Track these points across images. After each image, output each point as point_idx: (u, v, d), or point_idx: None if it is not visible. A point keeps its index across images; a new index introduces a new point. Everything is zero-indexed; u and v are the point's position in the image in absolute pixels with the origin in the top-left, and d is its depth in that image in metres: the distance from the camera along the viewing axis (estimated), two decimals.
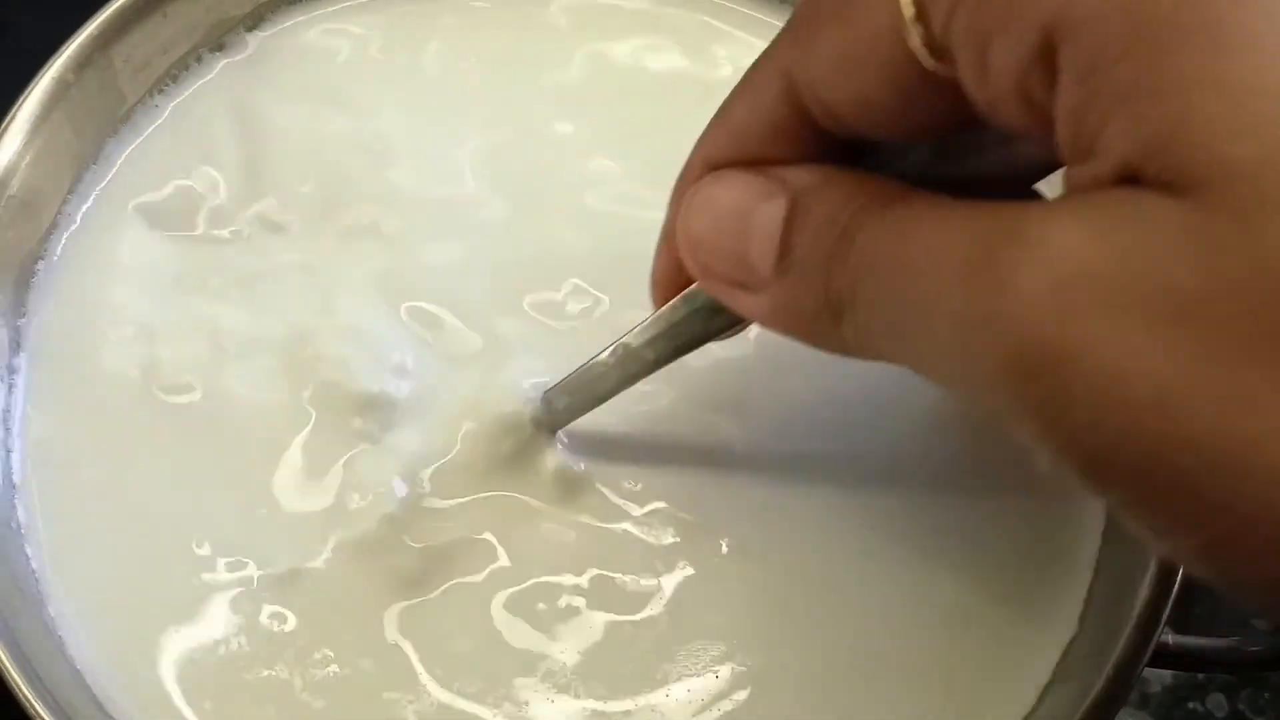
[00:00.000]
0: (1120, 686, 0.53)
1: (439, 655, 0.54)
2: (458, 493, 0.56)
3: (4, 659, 0.50)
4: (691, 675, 0.54)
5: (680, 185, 0.47)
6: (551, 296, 0.60)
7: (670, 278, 0.50)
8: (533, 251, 0.61)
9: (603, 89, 0.66)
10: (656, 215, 0.49)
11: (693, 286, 0.49)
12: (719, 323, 0.50)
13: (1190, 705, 0.74)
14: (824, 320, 0.41)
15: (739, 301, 0.44)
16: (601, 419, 0.56)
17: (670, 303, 0.50)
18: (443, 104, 0.65)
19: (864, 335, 0.40)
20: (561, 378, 0.55)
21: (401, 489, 0.55)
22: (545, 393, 0.56)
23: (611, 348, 0.53)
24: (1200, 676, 0.73)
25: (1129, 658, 0.53)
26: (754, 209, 0.42)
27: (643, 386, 0.55)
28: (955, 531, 0.58)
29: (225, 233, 0.61)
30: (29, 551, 0.55)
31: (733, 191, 0.43)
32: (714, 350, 0.57)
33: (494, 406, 0.57)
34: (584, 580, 0.56)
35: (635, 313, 0.53)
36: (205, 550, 0.55)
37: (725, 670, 0.55)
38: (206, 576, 0.55)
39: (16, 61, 0.61)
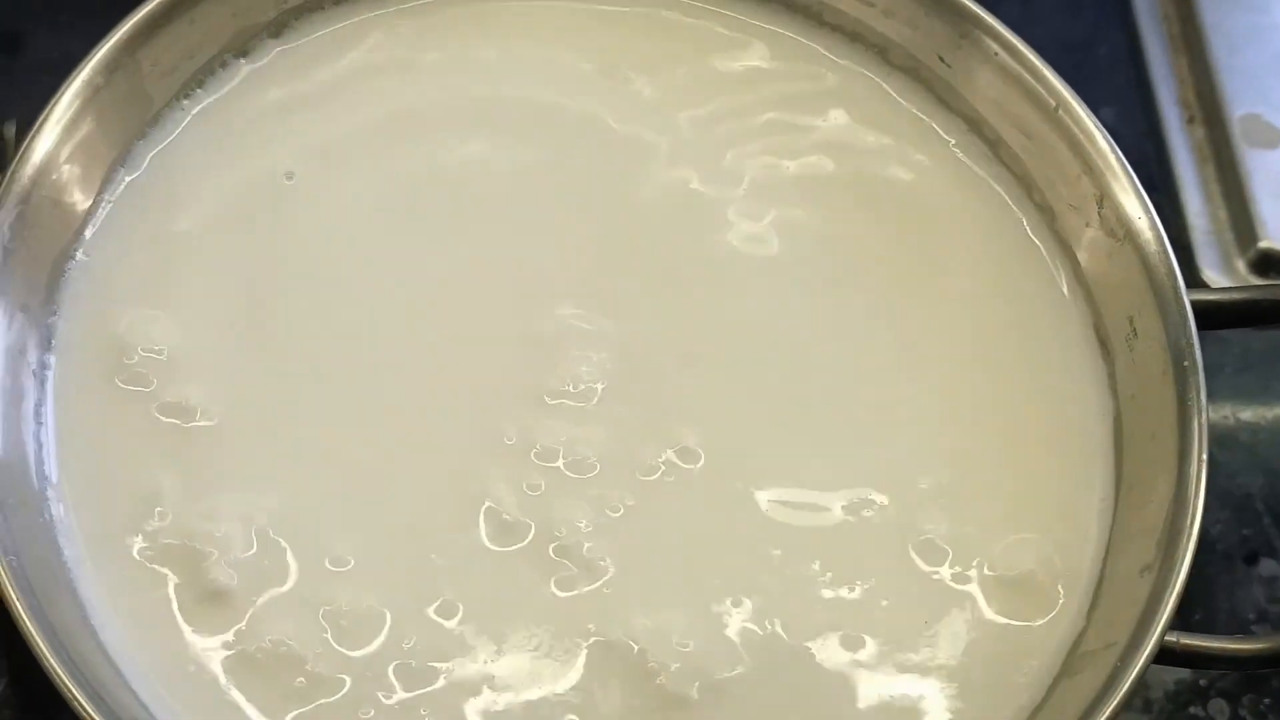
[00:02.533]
0: (1131, 681, 0.54)
1: None
2: None
3: (43, 650, 0.50)
4: None
5: None
6: None
7: None
8: None
9: None
10: None
11: None
12: None
13: (1192, 710, 0.74)
14: None
15: None
16: None
17: None
18: None
19: None
20: None
21: None
22: None
23: None
24: (1201, 681, 0.73)
25: (1139, 650, 0.54)
26: None
27: None
28: (965, 531, 0.60)
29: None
30: (62, 544, 0.56)
31: None
32: None
33: None
34: None
35: None
36: (233, 547, 0.56)
37: None
38: (233, 570, 0.56)
39: (31, 74, 0.62)
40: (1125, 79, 0.87)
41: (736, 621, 0.57)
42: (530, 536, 0.57)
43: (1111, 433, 0.62)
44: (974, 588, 0.59)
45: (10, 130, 0.65)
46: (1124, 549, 0.59)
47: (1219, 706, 0.74)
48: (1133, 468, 0.60)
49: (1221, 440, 0.80)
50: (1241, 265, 0.83)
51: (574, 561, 0.57)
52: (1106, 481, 0.61)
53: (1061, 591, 0.59)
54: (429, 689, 0.55)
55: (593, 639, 0.56)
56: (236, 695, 0.54)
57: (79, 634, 0.53)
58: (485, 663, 0.55)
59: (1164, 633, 0.55)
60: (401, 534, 0.57)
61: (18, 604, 0.51)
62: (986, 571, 0.59)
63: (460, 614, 0.56)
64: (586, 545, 0.57)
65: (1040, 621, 0.58)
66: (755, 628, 0.57)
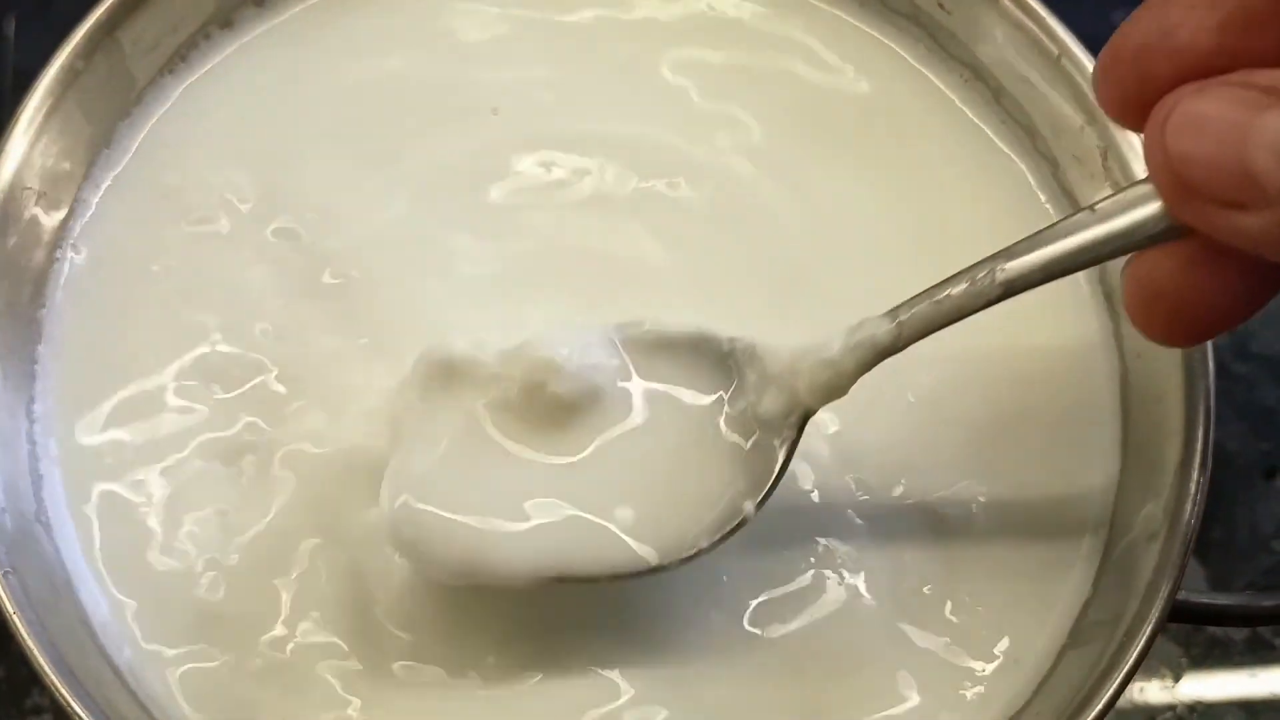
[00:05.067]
0: (1137, 653, 0.53)
1: None
2: None
3: (40, 658, 0.50)
4: None
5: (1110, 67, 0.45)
6: None
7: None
8: None
9: None
10: None
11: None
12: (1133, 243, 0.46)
13: (1210, 631, 0.74)
14: None
15: (1230, 221, 0.41)
16: None
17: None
18: None
19: None
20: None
21: None
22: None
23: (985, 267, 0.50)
24: None
25: (1145, 623, 0.54)
26: (1252, 120, 0.40)
27: None
28: (967, 504, 0.59)
29: (244, 208, 0.62)
30: (60, 547, 0.55)
31: (1222, 104, 0.41)
32: None
33: None
34: None
35: None
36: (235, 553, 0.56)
37: None
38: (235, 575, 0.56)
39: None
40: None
41: None
42: None
43: (1119, 394, 0.61)
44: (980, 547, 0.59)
45: (10, 27, 0.64)
46: (1132, 515, 0.58)
47: (1238, 629, 0.74)
48: (1140, 431, 0.60)
49: (1239, 352, 0.79)
50: None
51: None
52: (1114, 443, 0.60)
53: (1067, 557, 0.59)
54: None
55: None
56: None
57: (78, 641, 0.53)
58: None
59: (1169, 604, 0.54)
60: None
61: (15, 618, 0.51)
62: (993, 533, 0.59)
63: None
64: None
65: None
66: None
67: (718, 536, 0.53)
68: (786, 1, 0.68)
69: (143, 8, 0.61)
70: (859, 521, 0.58)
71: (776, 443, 0.53)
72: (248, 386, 0.58)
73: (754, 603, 0.57)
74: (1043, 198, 0.65)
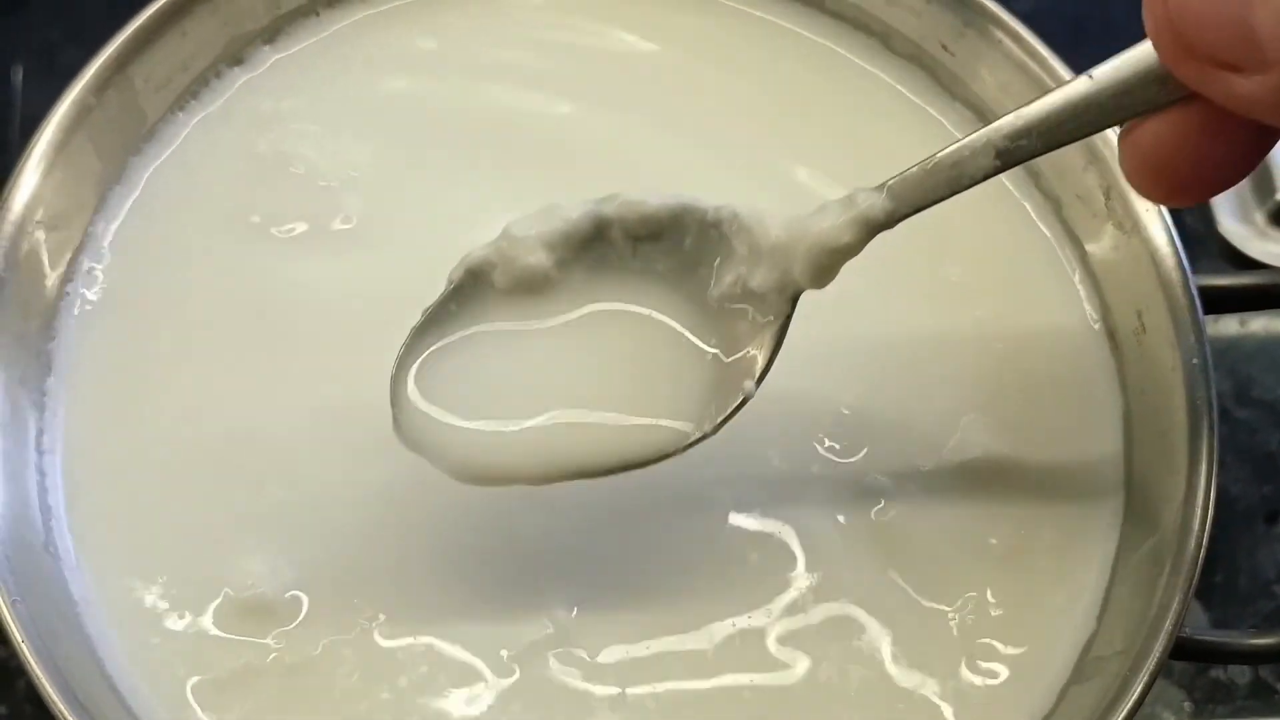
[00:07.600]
0: (1140, 690, 0.53)
1: None
2: None
3: (46, 686, 0.50)
4: None
5: None
6: None
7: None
8: None
9: None
10: None
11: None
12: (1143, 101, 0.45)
13: (1214, 674, 0.74)
14: None
15: (1227, 85, 0.40)
16: None
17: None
18: None
19: None
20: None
21: None
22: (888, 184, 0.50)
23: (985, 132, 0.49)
24: None
25: (1149, 658, 0.54)
26: None
27: None
28: (975, 537, 0.59)
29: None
30: (68, 577, 0.55)
31: None
32: None
33: None
34: None
35: None
36: (247, 574, 0.56)
37: None
38: (245, 598, 0.55)
39: (38, 20, 0.61)
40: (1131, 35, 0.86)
41: None
42: None
43: (1122, 428, 0.61)
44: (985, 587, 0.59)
45: (18, 76, 0.64)
46: (1134, 551, 0.58)
47: (1240, 670, 0.74)
48: (1143, 466, 0.60)
49: (1240, 397, 0.79)
50: (1260, 217, 0.83)
51: None
52: (1118, 478, 0.60)
53: (1072, 592, 0.59)
54: None
55: None
56: None
57: (85, 670, 0.53)
58: None
59: (1172, 640, 0.54)
60: None
61: (24, 647, 0.51)
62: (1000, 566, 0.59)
63: None
64: None
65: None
66: None
67: (720, 419, 0.52)
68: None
69: (154, 45, 0.62)
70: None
71: (771, 318, 0.52)
72: None
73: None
74: (1046, 232, 0.65)
